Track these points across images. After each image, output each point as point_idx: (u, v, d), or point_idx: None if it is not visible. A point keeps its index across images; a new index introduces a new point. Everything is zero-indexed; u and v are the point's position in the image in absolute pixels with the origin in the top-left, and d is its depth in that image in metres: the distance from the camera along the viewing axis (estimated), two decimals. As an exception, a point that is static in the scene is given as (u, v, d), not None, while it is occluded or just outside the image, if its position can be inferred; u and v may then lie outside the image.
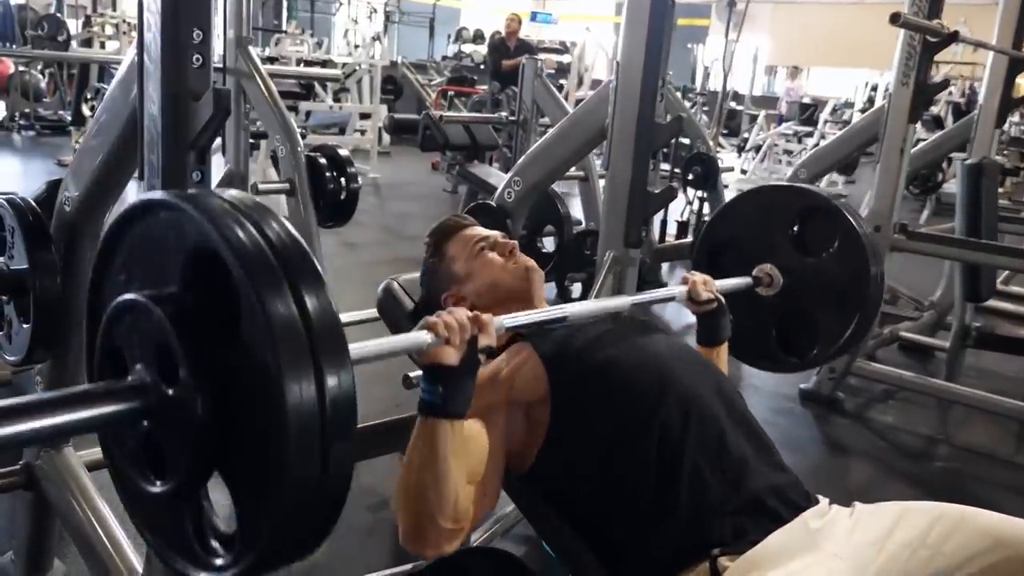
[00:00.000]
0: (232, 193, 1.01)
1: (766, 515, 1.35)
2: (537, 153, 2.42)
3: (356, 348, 1.27)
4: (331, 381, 0.89)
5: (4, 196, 1.59)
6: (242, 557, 0.97)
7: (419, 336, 1.24)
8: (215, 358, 0.94)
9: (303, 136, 6.52)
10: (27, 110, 8.54)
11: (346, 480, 0.95)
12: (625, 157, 2.16)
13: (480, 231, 1.76)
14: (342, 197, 3.13)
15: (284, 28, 7.65)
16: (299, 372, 0.87)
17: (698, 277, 1.77)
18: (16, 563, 1.95)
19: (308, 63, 7.75)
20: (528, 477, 1.50)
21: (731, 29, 7.26)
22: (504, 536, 2.14)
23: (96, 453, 1.88)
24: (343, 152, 3.18)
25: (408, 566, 1.86)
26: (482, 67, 11.71)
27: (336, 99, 9.34)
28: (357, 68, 9.09)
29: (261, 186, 3.22)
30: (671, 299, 1.79)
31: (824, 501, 1.45)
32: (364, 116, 9.16)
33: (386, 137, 9.75)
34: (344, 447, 0.92)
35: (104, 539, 1.66)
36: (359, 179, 3.20)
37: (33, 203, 1.57)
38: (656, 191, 2.20)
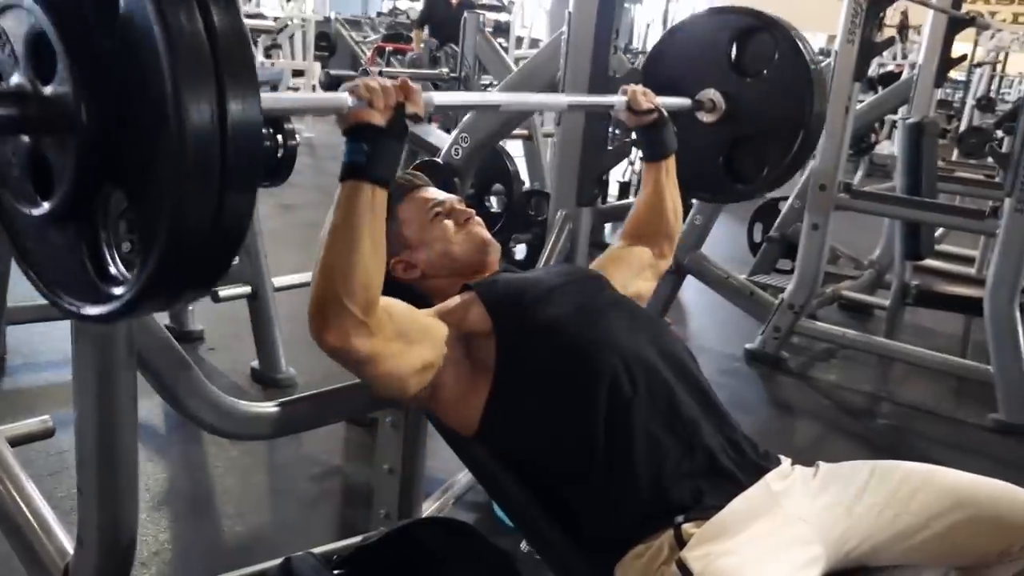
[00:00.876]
0: None
1: (722, 475, 1.32)
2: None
3: (270, 98, 1.15)
4: (234, 105, 0.80)
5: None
6: (132, 285, 0.88)
7: (339, 97, 1.16)
8: (101, 56, 0.83)
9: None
10: None
11: (244, 213, 0.86)
12: (576, 114, 2.09)
13: (435, 194, 1.67)
14: (279, 155, 2.97)
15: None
16: (198, 89, 0.78)
17: (638, 88, 1.75)
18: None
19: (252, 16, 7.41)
20: (478, 437, 1.43)
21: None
22: (456, 504, 2.09)
23: (17, 428, 1.76)
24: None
25: (358, 538, 1.79)
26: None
27: (268, 56, 9.01)
28: (289, 23, 8.77)
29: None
30: (610, 107, 1.76)
31: (786, 462, 1.42)
32: (297, 73, 8.86)
33: (325, 95, 9.45)
34: (245, 177, 0.84)
35: (31, 519, 1.53)
36: (297, 137, 3.05)
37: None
38: (609, 148, 2.13)
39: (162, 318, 3.19)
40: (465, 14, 4.22)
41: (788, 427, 3.16)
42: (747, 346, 3.65)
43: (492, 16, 8.22)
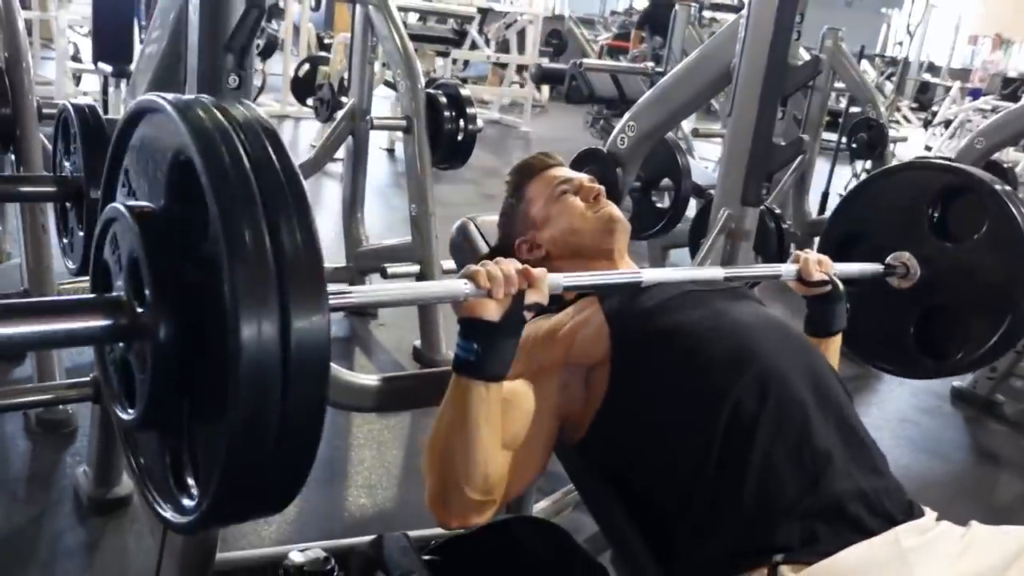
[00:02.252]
0: (240, 107, 0.89)
1: (846, 523, 1.12)
2: (655, 96, 2.18)
3: (382, 290, 1.16)
4: (298, 323, 0.78)
5: (72, 101, 1.55)
6: (201, 502, 0.87)
7: (455, 284, 1.09)
8: (182, 281, 0.85)
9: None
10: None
11: (312, 434, 0.83)
12: (750, 102, 1.90)
13: (564, 172, 1.58)
14: (459, 138, 3.00)
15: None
16: (258, 308, 0.76)
17: (812, 255, 1.52)
18: (87, 475, 1.97)
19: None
20: (580, 447, 1.32)
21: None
22: (576, 509, 1.98)
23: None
24: (464, 92, 3.04)
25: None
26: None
27: (499, 51, 9.25)
28: (518, 18, 8.93)
29: (377, 121, 3.14)
30: (776, 277, 1.54)
31: (931, 515, 1.19)
32: (521, 68, 9.01)
33: (544, 92, 9.58)
34: (309, 394, 0.81)
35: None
36: (478, 121, 3.06)
37: (97, 108, 1.52)
38: (783, 143, 1.92)
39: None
40: (676, 6, 4.05)
41: (988, 480, 2.75)
42: (955, 384, 3.24)
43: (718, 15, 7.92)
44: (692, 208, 2.76)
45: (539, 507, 1.90)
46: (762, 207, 2.72)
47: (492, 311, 1.10)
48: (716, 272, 1.45)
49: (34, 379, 2.24)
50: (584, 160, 2.27)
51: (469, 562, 1.48)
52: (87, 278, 1.76)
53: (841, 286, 1.52)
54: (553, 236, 1.49)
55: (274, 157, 0.83)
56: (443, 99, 3.02)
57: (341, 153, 3.29)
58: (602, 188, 1.54)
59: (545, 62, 8.92)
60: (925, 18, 12.67)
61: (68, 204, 1.59)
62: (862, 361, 2.05)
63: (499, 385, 1.15)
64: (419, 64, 3.03)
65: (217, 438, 0.82)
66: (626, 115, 2.23)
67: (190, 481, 0.91)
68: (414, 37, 6.23)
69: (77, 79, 6.31)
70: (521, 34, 9.13)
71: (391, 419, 2.51)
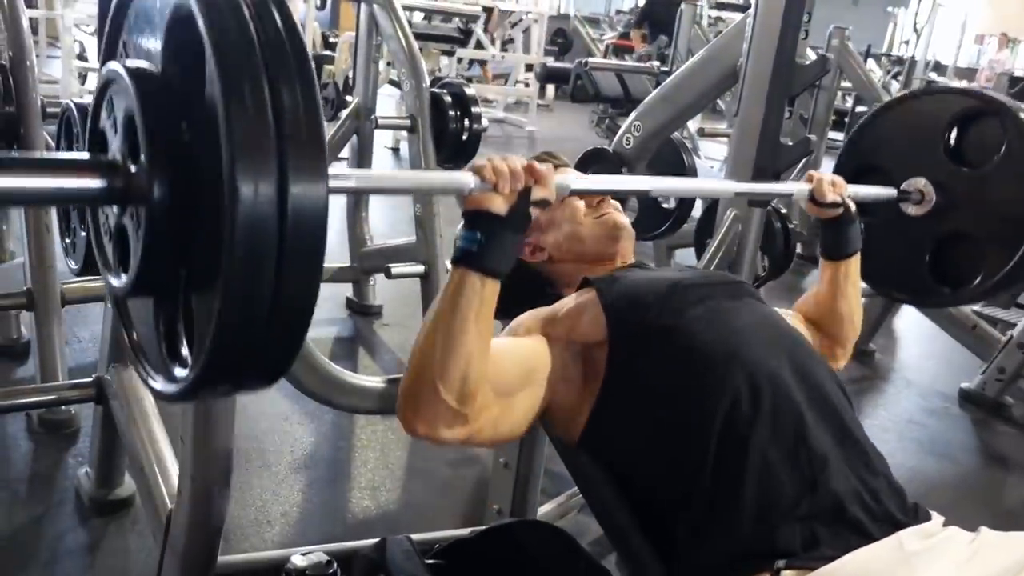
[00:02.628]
0: None
1: (846, 524, 1.11)
2: (661, 95, 2.16)
3: (386, 176, 1.12)
4: (296, 188, 0.75)
5: (76, 100, 1.54)
6: (192, 370, 0.86)
7: (462, 177, 1.08)
8: (177, 141, 0.83)
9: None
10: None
11: (305, 304, 0.81)
12: (757, 101, 1.88)
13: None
14: (464, 138, 2.99)
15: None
16: (256, 169, 0.74)
17: (825, 175, 1.51)
18: (89, 476, 1.96)
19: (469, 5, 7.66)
20: (580, 444, 1.30)
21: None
22: (582, 512, 1.97)
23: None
24: (469, 91, 3.03)
25: (467, 530, 1.73)
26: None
27: (503, 49, 9.23)
28: (523, 17, 8.92)
29: (382, 120, 3.13)
30: (788, 196, 1.53)
31: (937, 519, 1.18)
32: (530, 68, 9.00)
33: (549, 91, 9.57)
34: (304, 260, 0.78)
35: (153, 460, 1.61)
36: (483, 120, 3.05)
37: (99, 108, 1.51)
38: (790, 143, 1.91)
39: (346, 289, 3.34)
40: (682, 5, 4.03)
41: (996, 483, 2.73)
42: (963, 385, 3.22)
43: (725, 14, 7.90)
44: (698, 208, 2.75)
45: (543, 510, 1.88)
46: (768, 207, 2.71)
47: (498, 204, 1.08)
48: (728, 185, 1.45)
49: (37, 379, 2.23)
50: (590, 160, 2.26)
51: (473, 565, 1.48)
52: (90, 279, 1.75)
53: (854, 207, 1.52)
54: (557, 240, 1.48)
55: (277, 16, 0.81)
56: (448, 98, 3.01)
57: (346, 152, 3.27)
58: (606, 194, 1.53)
59: (550, 61, 8.91)
60: (931, 17, 12.62)
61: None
62: (876, 290, 2.03)
63: (496, 284, 1.12)
64: (424, 63, 3.01)
65: (210, 304, 0.80)
66: (632, 115, 2.21)
67: (184, 351, 0.90)
68: (419, 36, 6.21)
69: (83, 78, 6.31)
70: (527, 33, 9.12)
71: (395, 420, 2.45)
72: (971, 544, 1.14)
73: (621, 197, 1.68)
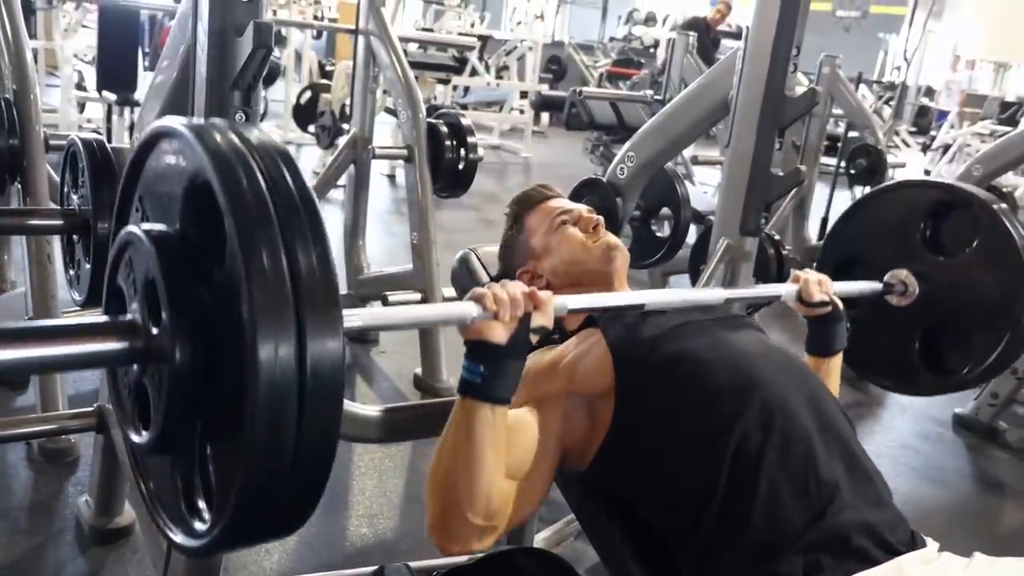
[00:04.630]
0: (255, 131, 0.91)
1: (851, 555, 1.13)
2: (654, 126, 2.20)
3: (390, 313, 1.16)
4: (314, 346, 0.79)
5: (81, 135, 1.58)
6: (214, 525, 0.88)
7: (463, 307, 1.11)
8: (198, 303, 0.85)
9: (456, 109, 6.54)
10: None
11: (326, 457, 0.84)
12: (748, 132, 1.92)
13: (563, 203, 1.60)
14: (460, 167, 3.03)
15: (443, 1, 7.66)
16: (275, 330, 0.77)
17: (811, 275, 1.54)
18: (89, 505, 1.97)
19: (462, 34, 7.74)
20: (584, 477, 1.33)
21: (924, 16, 6.62)
22: (578, 538, 1.98)
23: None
24: (465, 121, 3.08)
25: (465, 558, 1.74)
26: (651, 50, 11.39)
27: (499, 76, 9.32)
28: (518, 45, 9.01)
29: (379, 150, 3.17)
30: (776, 299, 1.56)
31: (932, 546, 1.20)
32: (524, 95, 9.08)
33: (544, 118, 9.64)
34: (323, 417, 0.81)
35: (154, 491, 1.62)
36: (479, 150, 3.09)
37: (105, 142, 1.54)
38: (781, 173, 1.94)
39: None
40: (675, 35, 4.10)
41: (991, 509, 2.74)
42: (957, 411, 3.25)
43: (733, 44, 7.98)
44: (693, 234, 2.79)
45: (540, 536, 1.90)
46: (763, 233, 2.74)
47: (499, 334, 1.11)
48: (717, 294, 1.47)
49: (37, 408, 2.25)
50: (584, 190, 2.30)
51: (471, 592, 1.49)
52: (91, 309, 1.78)
53: (841, 305, 1.55)
54: (554, 266, 1.51)
55: (289, 179, 0.84)
56: (444, 128, 3.05)
57: (343, 180, 3.31)
58: (600, 219, 1.56)
59: (545, 88, 8.99)
60: (922, 43, 12.76)
61: (75, 236, 1.61)
62: (863, 378, 2.06)
63: (504, 409, 1.15)
64: (420, 93, 3.06)
65: (232, 460, 0.82)
66: (626, 145, 2.25)
67: (201, 504, 0.92)
68: (415, 65, 6.29)
69: (81, 107, 6.36)
70: (522, 60, 9.22)
71: (392, 448, 2.51)
72: (966, 570, 1.16)
73: (612, 231, 1.71)
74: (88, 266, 1.56)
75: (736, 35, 8.05)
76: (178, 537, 0.95)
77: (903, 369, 1.84)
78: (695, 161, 4.27)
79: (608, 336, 1.33)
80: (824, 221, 5.18)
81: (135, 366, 0.93)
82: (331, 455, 0.85)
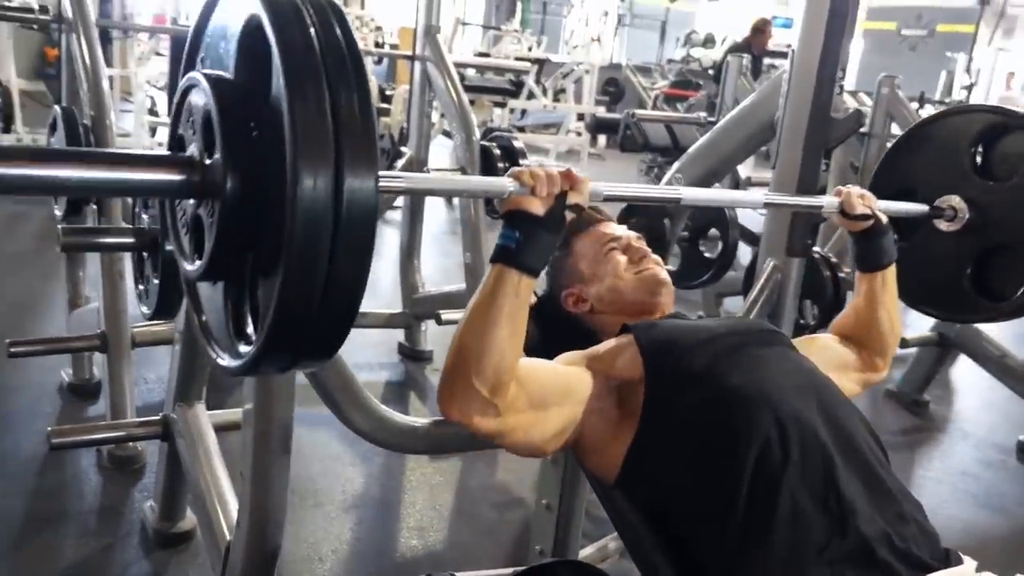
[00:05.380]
0: None
1: (877, 568, 1.14)
2: (702, 148, 2.23)
3: (433, 180, 1.20)
4: (351, 182, 0.86)
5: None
6: (256, 347, 0.95)
7: (501, 182, 1.17)
8: (248, 140, 0.92)
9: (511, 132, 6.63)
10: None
11: (356, 287, 0.91)
12: (793, 154, 1.94)
13: (613, 229, 1.64)
14: (511, 187, 3.08)
15: (501, 26, 7.79)
16: (315, 166, 0.84)
17: (854, 189, 1.58)
18: (154, 510, 2.06)
19: (519, 59, 7.85)
20: (618, 485, 1.36)
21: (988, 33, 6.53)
22: (623, 556, 2.00)
23: (224, 415, 1.96)
24: (517, 143, 3.14)
25: (508, 570, 1.78)
26: (709, 71, 11.37)
27: (556, 99, 9.40)
28: (575, 68, 9.09)
29: (434, 171, 3.25)
30: (818, 209, 1.60)
31: (970, 564, 1.20)
32: (582, 117, 9.15)
33: (601, 140, 9.69)
34: (355, 247, 0.88)
35: (214, 495, 1.70)
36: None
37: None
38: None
39: (398, 335, 3.43)
40: (728, 57, 4.11)
41: (1053, 538, 2.67)
42: (1021, 437, 3.17)
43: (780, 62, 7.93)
44: (747, 255, 2.79)
45: (584, 553, 1.92)
46: (817, 254, 2.75)
47: (536, 206, 1.16)
48: (757, 196, 1.52)
49: (107, 417, 2.36)
50: (633, 210, 2.33)
51: (514, 603, 1.52)
52: (158, 323, 1.87)
53: (885, 219, 1.57)
54: (599, 293, 1.55)
55: (338, 30, 0.90)
56: (497, 151, 3.12)
57: (400, 201, 3.40)
58: (647, 250, 1.59)
59: (602, 111, 9.04)
60: (991, 61, 12.50)
61: (145, 254, 1.71)
62: (915, 308, 2.07)
63: (530, 282, 1.19)
64: (474, 116, 3.13)
65: (272, 285, 0.89)
66: (674, 166, 2.28)
67: (248, 330, 0.99)
68: (472, 89, 6.42)
69: (153, 131, 6.62)
70: (579, 83, 9.29)
71: (443, 463, 2.57)
72: (1004, 589, 1.16)
73: (660, 253, 1.75)
74: (156, 281, 1.65)
75: (782, 55, 7.99)
76: (226, 360, 1.04)
77: (956, 297, 1.85)
78: (749, 182, 4.26)
79: (641, 342, 1.36)
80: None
81: (191, 200, 1.00)
82: (361, 286, 0.90)
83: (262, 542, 1.47)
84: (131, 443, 2.31)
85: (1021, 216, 1.74)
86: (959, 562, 1.20)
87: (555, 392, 1.31)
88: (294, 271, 0.86)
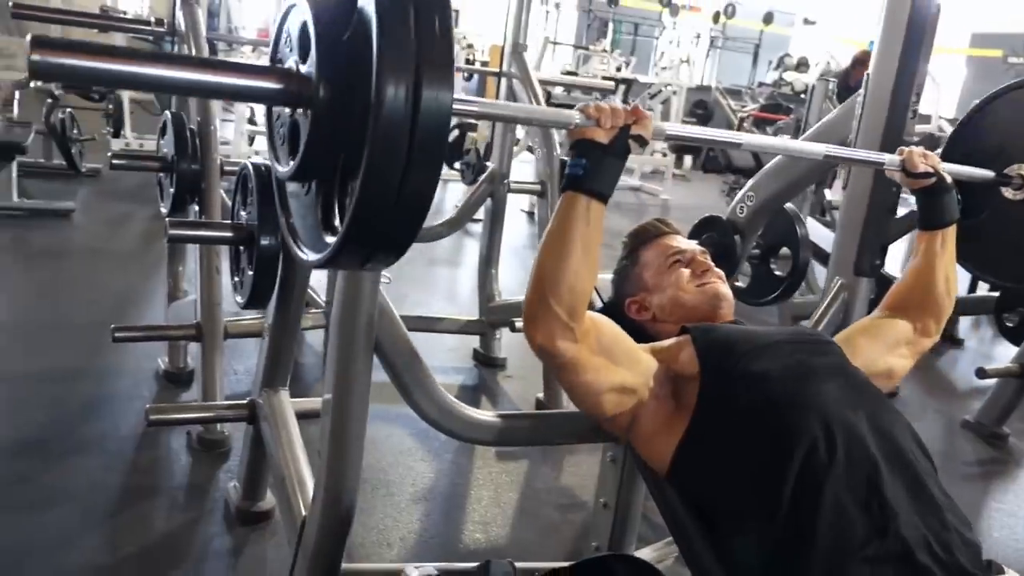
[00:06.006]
0: None
1: (915, 570, 1.18)
2: (775, 167, 2.27)
3: (504, 107, 1.30)
4: (428, 94, 0.94)
5: (252, 161, 1.82)
6: (337, 237, 1.06)
7: (569, 113, 1.27)
8: (340, 52, 1.02)
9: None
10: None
11: (426, 192, 1.00)
12: (865, 175, 1.97)
13: (679, 242, 1.71)
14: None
15: (590, 46, 7.89)
16: (397, 79, 0.93)
17: (916, 149, 1.63)
18: (237, 490, 2.21)
19: (607, 79, 7.92)
20: (669, 477, 1.43)
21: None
22: (677, 560, 2.04)
23: (306, 403, 2.09)
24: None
25: (567, 563, 1.84)
26: (801, 95, 11.23)
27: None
28: (662, 89, 9.11)
29: (514, 185, 3.35)
30: (879, 165, 1.65)
31: (1011, 574, 1.22)
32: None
33: (687, 161, 9.67)
34: (427, 158, 0.97)
35: (293, 474, 1.82)
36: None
37: (271, 168, 1.77)
38: (898, 216, 1.98)
39: (473, 341, 3.54)
40: (814, 82, 4.11)
41: None
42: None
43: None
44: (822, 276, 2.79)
45: (641, 553, 1.97)
46: (887, 275, 2.74)
47: (600, 135, 1.26)
48: (818, 148, 1.59)
49: (199, 401, 2.53)
50: (704, 227, 2.39)
51: (567, 593, 1.59)
52: (250, 316, 2.00)
53: (948, 178, 1.62)
54: (662, 304, 1.62)
55: None
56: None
57: (481, 213, 3.51)
58: (711, 264, 1.66)
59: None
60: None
61: (242, 248, 1.85)
62: (982, 278, 2.18)
63: (600, 207, 1.30)
64: (557, 133, 3.23)
65: (353, 185, 0.99)
66: (747, 185, 2.33)
67: (336, 223, 1.10)
68: (557, 106, 6.52)
69: (251, 139, 6.95)
70: (666, 104, 9.31)
71: (510, 463, 2.66)
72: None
73: (729, 269, 1.80)
74: (251, 273, 1.79)
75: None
76: (308, 255, 1.16)
77: (1020, 266, 1.88)
78: (830, 206, 4.25)
79: (698, 344, 1.43)
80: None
81: (287, 109, 1.11)
82: (431, 187, 1.00)
83: (334, 517, 1.58)
84: (219, 427, 2.48)
85: None
86: (1000, 572, 1.22)
87: (624, 352, 1.41)
88: (374, 171, 0.96)
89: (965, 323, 5.03)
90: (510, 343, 3.50)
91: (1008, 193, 1.80)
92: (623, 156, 1.29)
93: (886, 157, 1.63)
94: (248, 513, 2.16)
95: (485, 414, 1.68)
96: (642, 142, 1.31)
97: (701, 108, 11.47)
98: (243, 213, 1.85)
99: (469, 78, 8.84)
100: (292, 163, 1.11)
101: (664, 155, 9.10)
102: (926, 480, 1.29)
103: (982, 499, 2.96)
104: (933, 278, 1.64)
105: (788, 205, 2.47)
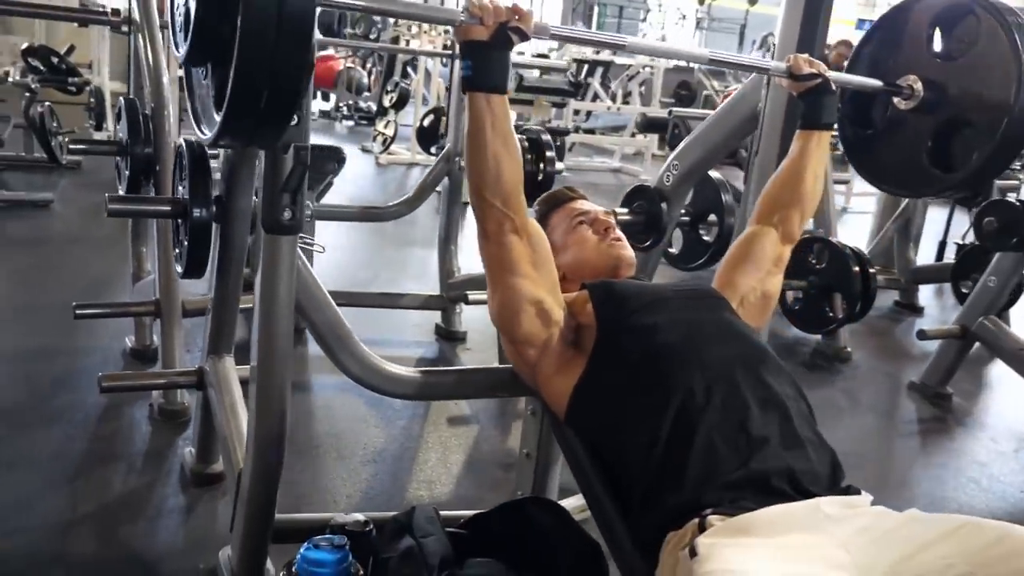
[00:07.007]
0: None
1: (771, 494, 1.29)
2: (695, 138, 2.38)
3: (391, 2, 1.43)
4: None
5: (185, 138, 1.92)
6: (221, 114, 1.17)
7: (452, 10, 1.39)
8: None
9: (567, 133, 6.79)
10: (349, 102, 9.71)
11: (297, 77, 1.13)
12: (772, 144, 2.08)
13: (583, 205, 1.83)
14: (539, 179, 3.26)
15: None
16: None
17: (802, 55, 1.74)
18: (192, 454, 2.33)
19: (582, 62, 8.01)
20: (567, 420, 1.56)
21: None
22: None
23: (248, 369, 2.20)
24: (545, 137, 3.30)
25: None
26: (784, 75, 11.26)
27: (625, 102, 9.52)
28: (640, 70, 9.19)
29: (462, 162, 3.46)
30: (764, 71, 1.79)
31: (866, 497, 1.34)
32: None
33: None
34: (293, 47, 1.10)
35: (234, 433, 1.93)
36: (557, 164, 3.32)
37: (203, 144, 1.88)
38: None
39: (434, 316, 3.65)
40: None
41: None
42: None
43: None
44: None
45: (565, 503, 2.09)
46: (849, 249, 2.88)
47: (481, 33, 1.36)
48: (701, 52, 1.74)
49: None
50: (634, 195, 2.50)
51: (484, 533, 1.71)
52: (208, 294, 2.11)
53: (832, 83, 1.73)
54: (567, 262, 1.74)
55: None
56: (525, 143, 3.31)
57: (440, 188, 3.62)
58: (612, 223, 1.78)
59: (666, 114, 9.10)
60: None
61: (180, 221, 1.96)
62: (881, 187, 2.31)
63: (500, 97, 1.42)
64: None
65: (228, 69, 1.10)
66: (671, 155, 2.44)
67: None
68: (530, 89, 6.62)
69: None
70: (645, 85, 9.39)
71: (460, 428, 2.78)
72: (895, 520, 1.29)
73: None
74: (186, 243, 1.90)
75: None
76: (204, 132, 1.31)
77: (916, 173, 1.98)
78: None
79: (595, 298, 1.56)
80: (942, 245, 5.11)
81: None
82: (302, 63, 1.12)
83: (265, 465, 1.69)
84: (179, 399, 2.60)
85: (970, 90, 1.87)
86: (857, 493, 1.34)
87: (547, 273, 1.56)
88: (246, 47, 1.07)
89: (927, 291, 5.14)
90: (470, 317, 3.62)
91: (899, 103, 1.92)
92: (505, 49, 1.40)
93: (771, 63, 1.74)
94: (202, 475, 2.29)
95: (406, 369, 1.80)
96: (522, 35, 1.40)
97: (684, 89, 11.53)
98: (180, 188, 1.96)
99: (445, 64, 8.91)
100: (185, 47, 1.22)
101: (645, 135, 9.19)
102: (797, 425, 1.41)
103: (917, 455, 3.09)
104: (804, 172, 1.76)
105: (715, 174, 2.58)
